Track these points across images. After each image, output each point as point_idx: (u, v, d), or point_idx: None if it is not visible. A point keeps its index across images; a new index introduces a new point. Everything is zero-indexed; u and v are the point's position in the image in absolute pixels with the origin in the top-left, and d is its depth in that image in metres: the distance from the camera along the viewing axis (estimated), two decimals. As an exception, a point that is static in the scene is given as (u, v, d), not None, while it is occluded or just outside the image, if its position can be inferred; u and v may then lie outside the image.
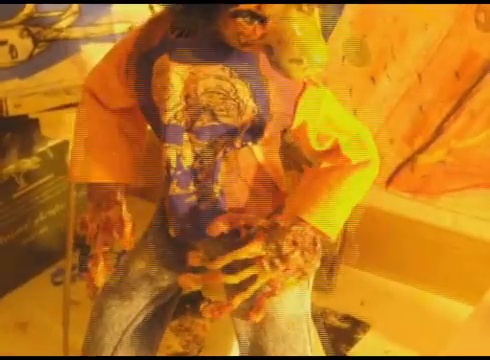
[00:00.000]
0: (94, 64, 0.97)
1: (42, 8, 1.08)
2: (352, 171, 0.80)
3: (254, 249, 0.78)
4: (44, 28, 1.09)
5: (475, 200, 1.27)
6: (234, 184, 0.83)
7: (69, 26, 1.09)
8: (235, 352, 1.05)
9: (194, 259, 0.81)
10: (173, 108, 0.78)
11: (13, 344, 1.32)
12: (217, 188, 0.82)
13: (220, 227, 0.79)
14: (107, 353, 0.92)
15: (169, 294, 0.95)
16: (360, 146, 0.81)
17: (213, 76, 0.75)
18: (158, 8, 1.10)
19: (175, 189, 0.82)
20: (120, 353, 0.92)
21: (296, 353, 0.87)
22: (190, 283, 0.81)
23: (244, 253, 0.78)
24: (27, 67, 1.11)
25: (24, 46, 1.10)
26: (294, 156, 1.08)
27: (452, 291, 1.33)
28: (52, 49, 1.10)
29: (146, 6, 1.12)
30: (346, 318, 1.34)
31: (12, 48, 1.10)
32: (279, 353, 0.87)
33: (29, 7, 1.08)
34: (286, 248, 0.77)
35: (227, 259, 0.78)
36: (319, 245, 0.79)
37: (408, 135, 1.29)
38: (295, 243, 0.78)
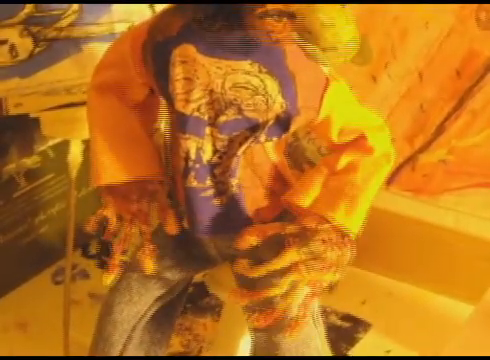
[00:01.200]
0: (95, 63, 0.97)
1: (42, 7, 1.08)
2: (374, 165, 0.81)
3: (290, 257, 0.79)
4: (45, 27, 1.09)
5: (476, 199, 1.27)
6: (250, 180, 0.84)
7: (70, 25, 1.09)
8: (243, 349, 1.05)
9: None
10: (197, 100, 0.77)
11: (13, 343, 1.32)
12: (235, 182, 0.82)
13: (250, 240, 0.80)
14: (116, 350, 0.92)
15: (177, 290, 0.95)
16: (383, 138, 0.83)
17: (241, 71, 0.75)
18: (158, 8, 1.11)
19: (192, 182, 0.82)
20: (130, 350, 0.92)
21: (309, 348, 0.88)
22: (238, 299, 0.83)
23: (281, 262, 0.79)
24: (27, 66, 1.11)
25: (24, 45, 1.09)
26: (295, 155, 1.08)
27: (453, 290, 1.33)
28: (53, 48, 1.10)
29: (146, 5, 1.12)
30: (347, 317, 1.34)
31: (12, 47, 1.10)
32: (293, 349, 0.87)
33: (29, 6, 1.07)
34: (318, 248, 0.78)
35: (263, 270, 0.80)
36: (347, 237, 0.80)
37: (409, 134, 1.29)
38: (324, 241, 0.79)
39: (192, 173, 0.81)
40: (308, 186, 0.83)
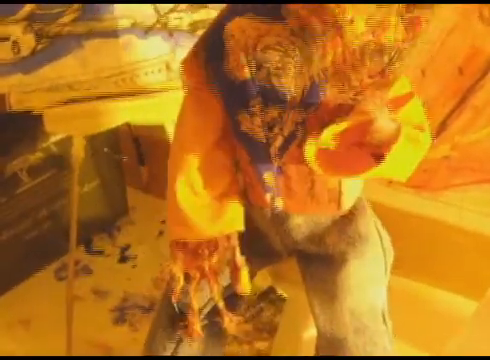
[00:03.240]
0: (97, 59, 0.98)
1: (45, 4, 1.08)
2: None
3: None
4: (47, 24, 1.09)
5: (479, 195, 1.26)
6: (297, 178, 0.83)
7: (72, 21, 1.09)
8: (307, 347, 1.05)
9: None
10: (246, 63, 0.78)
11: (17, 339, 1.33)
12: (277, 162, 0.81)
13: None
14: (174, 338, 0.93)
15: None
16: (415, 107, 0.84)
17: (275, 32, 0.75)
18: (160, 6, 1.11)
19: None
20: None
21: (376, 346, 0.88)
22: None
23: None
24: (30, 63, 1.11)
25: (27, 42, 1.10)
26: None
27: (456, 286, 1.33)
28: (55, 45, 1.10)
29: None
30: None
31: (15, 44, 1.10)
32: (360, 346, 0.87)
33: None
34: None
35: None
36: None
37: (412, 130, 1.29)
38: None
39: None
40: None
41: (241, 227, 0.86)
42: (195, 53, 0.83)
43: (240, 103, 0.80)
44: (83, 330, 1.29)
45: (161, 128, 1.21)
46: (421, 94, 1.12)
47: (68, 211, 1.25)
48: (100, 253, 1.58)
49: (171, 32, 1.14)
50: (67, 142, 1.22)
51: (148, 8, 1.11)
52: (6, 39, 1.10)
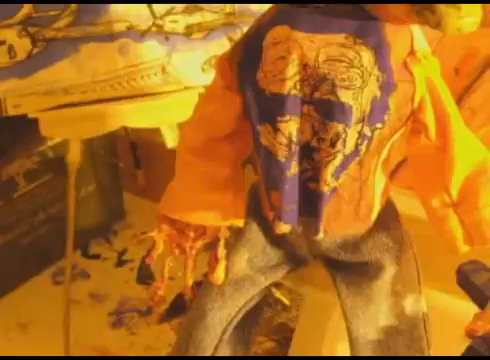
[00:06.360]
0: (93, 64, 0.97)
1: (40, 8, 1.08)
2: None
3: None
4: (42, 28, 1.09)
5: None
6: (350, 195, 0.79)
7: (68, 25, 1.09)
8: (325, 352, 1.04)
9: None
10: (292, 77, 0.73)
11: (14, 344, 1.33)
12: (333, 184, 0.76)
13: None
14: (208, 353, 0.90)
15: (265, 291, 0.93)
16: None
17: (336, 44, 0.71)
18: (156, 7, 1.11)
19: (295, 168, 0.77)
20: (220, 351, 0.91)
21: (412, 349, 0.87)
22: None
23: None
24: (26, 67, 1.11)
25: (22, 46, 1.10)
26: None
27: (451, 287, 1.32)
28: (51, 49, 1.10)
29: (144, 5, 1.12)
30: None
31: (10, 48, 1.10)
32: (399, 346, 0.86)
33: (27, 7, 1.08)
34: None
35: None
36: None
37: (408, 132, 1.29)
38: None
39: (295, 158, 0.76)
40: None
41: (224, 223, 0.83)
42: (232, 53, 0.78)
43: (266, 115, 0.75)
44: (80, 334, 1.29)
45: (158, 132, 1.21)
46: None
47: (65, 215, 1.25)
48: (97, 257, 1.58)
49: (167, 36, 1.14)
50: (64, 146, 1.22)
51: (143, 10, 1.11)
52: (2, 43, 1.10)
